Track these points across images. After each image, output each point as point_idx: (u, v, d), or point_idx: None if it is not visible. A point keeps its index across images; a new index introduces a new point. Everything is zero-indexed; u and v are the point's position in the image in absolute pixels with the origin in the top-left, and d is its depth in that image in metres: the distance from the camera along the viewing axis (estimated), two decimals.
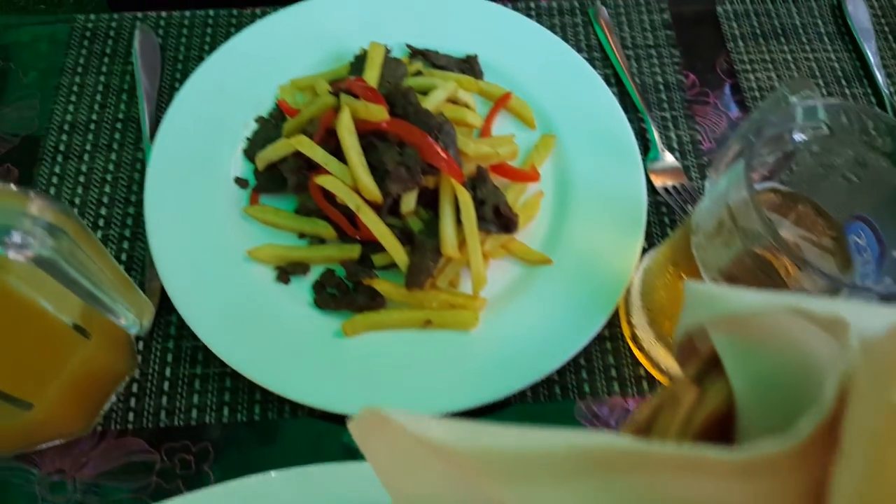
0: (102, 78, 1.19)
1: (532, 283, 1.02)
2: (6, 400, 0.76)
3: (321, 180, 0.98)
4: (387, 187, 0.97)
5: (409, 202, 1.00)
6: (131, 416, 0.95)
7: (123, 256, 1.05)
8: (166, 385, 0.97)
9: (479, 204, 0.98)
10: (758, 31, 1.30)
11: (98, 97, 1.17)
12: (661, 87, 1.24)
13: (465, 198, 0.96)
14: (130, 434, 0.94)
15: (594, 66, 1.22)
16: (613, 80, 1.24)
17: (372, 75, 1.05)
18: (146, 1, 1.31)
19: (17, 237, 0.58)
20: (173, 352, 0.99)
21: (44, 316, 0.75)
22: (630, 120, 1.14)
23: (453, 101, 1.08)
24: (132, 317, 0.88)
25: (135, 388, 0.97)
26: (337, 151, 1.00)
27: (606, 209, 1.07)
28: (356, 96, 1.01)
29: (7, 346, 0.75)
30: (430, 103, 1.03)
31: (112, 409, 0.95)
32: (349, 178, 0.98)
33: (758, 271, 0.72)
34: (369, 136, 0.99)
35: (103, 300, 0.80)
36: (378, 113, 0.96)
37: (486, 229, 0.99)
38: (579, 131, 1.14)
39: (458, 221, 0.98)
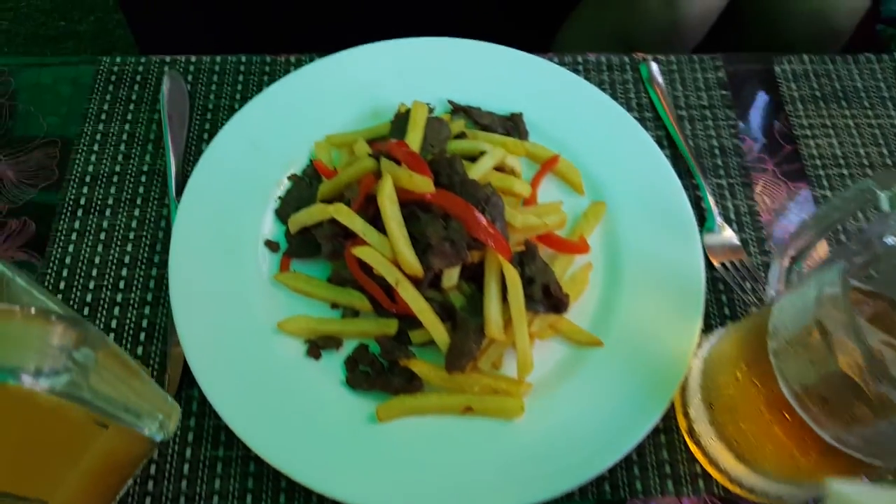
0: (127, 126, 1.14)
1: (581, 367, 0.96)
2: (19, 501, 0.70)
3: (359, 252, 0.92)
4: (429, 262, 0.91)
5: (451, 277, 0.94)
6: (148, 500, 0.89)
7: (144, 322, 1.00)
8: (186, 468, 0.91)
9: (527, 282, 0.92)
10: (818, 94, 1.24)
11: (122, 147, 1.12)
12: (717, 151, 1.18)
13: (513, 276, 0.90)
14: None
15: (645, 128, 1.16)
16: (666, 143, 1.18)
17: (415, 138, 1.00)
18: (177, 44, 1.25)
19: (27, 377, 0.53)
20: (194, 430, 0.93)
21: (59, 411, 0.69)
22: (684, 187, 1.08)
23: (499, 167, 1.03)
24: (157, 425, 0.82)
25: (153, 469, 0.91)
26: (376, 219, 0.95)
27: (661, 285, 1.01)
28: (398, 161, 0.96)
29: (19, 444, 0.69)
30: (477, 172, 0.97)
31: (128, 493, 0.89)
32: (388, 250, 0.93)
33: (849, 394, 0.66)
34: (412, 206, 0.94)
35: (125, 419, 0.74)
36: (423, 185, 0.90)
37: (534, 309, 0.93)
38: (631, 198, 1.08)
39: (504, 299, 0.92)
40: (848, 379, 0.65)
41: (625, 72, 1.25)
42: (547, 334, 0.97)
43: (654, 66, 1.24)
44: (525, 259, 0.93)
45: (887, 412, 0.64)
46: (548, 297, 0.93)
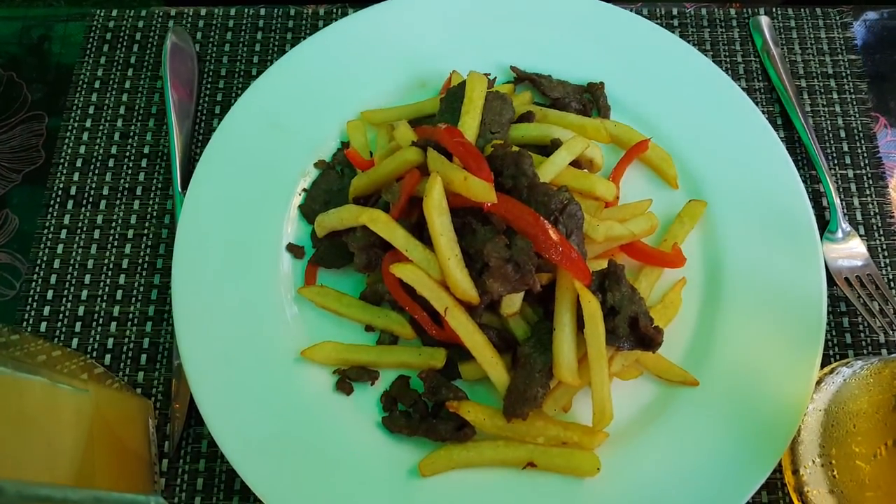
0: (125, 97, 1.00)
1: (670, 412, 0.83)
2: None
3: (398, 270, 0.78)
4: (486, 286, 0.76)
5: (513, 304, 0.80)
6: None
7: (145, 342, 0.88)
8: None
9: (609, 313, 0.77)
10: None
11: (119, 123, 0.99)
12: (843, 133, 0.99)
13: (593, 308, 0.75)
14: None
15: (755, 101, 0.98)
16: (780, 122, 1.00)
17: (471, 123, 0.84)
18: None
19: None
20: (204, 476, 0.83)
21: None
22: (801, 180, 0.90)
23: (576, 160, 0.85)
24: None
25: None
26: (421, 226, 0.80)
27: (771, 309, 0.86)
28: (449, 154, 0.80)
29: None
30: (550, 172, 0.81)
31: None
32: (436, 269, 0.78)
33: None
34: (466, 215, 0.78)
35: None
36: (483, 192, 0.75)
37: (617, 346, 0.78)
38: (736, 196, 0.92)
39: (579, 330, 0.77)
40: None
41: (730, 28, 1.05)
42: (630, 375, 0.82)
43: (766, 22, 1.04)
44: (608, 283, 0.78)
45: None
46: (635, 332, 0.77)
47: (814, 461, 0.78)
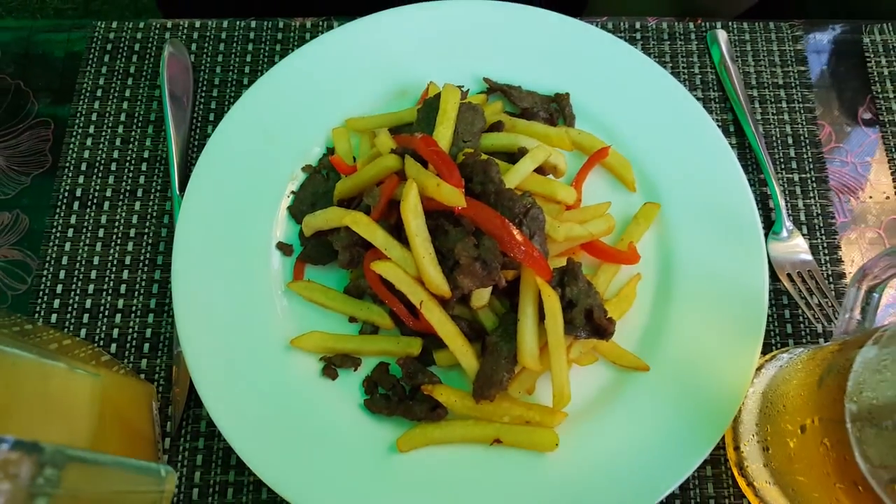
0: (125, 105, 1.09)
1: (623, 394, 0.92)
2: None
3: (379, 267, 0.88)
4: (457, 281, 0.86)
5: (481, 297, 0.89)
6: None
7: (148, 332, 0.98)
8: (195, 493, 0.91)
9: (567, 306, 0.87)
10: None
11: (120, 129, 1.08)
12: (790, 140, 1.09)
13: (552, 301, 0.85)
14: None
15: (709, 110, 1.08)
16: (732, 129, 1.09)
17: (445, 132, 0.93)
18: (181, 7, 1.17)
19: None
20: (203, 453, 0.92)
21: None
22: (749, 182, 1.00)
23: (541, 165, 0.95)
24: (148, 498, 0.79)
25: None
26: (399, 227, 0.89)
27: (718, 301, 0.96)
28: (424, 162, 0.90)
29: None
30: (515, 178, 0.90)
31: None
32: (412, 267, 0.88)
33: None
34: (440, 218, 0.88)
35: None
36: (453, 197, 0.84)
37: (575, 335, 0.88)
38: (689, 198, 1.01)
39: (541, 322, 0.88)
40: None
41: (689, 41, 1.15)
42: (587, 361, 0.93)
43: (723, 36, 1.14)
44: (566, 279, 0.88)
45: None
46: (590, 323, 0.88)
47: (751, 438, 0.88)
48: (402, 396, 0.92)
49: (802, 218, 1.05)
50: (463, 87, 1.02)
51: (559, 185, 0.94)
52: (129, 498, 0.72)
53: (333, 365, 0.93)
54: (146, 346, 0.97)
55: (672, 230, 1.00)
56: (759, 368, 0.92)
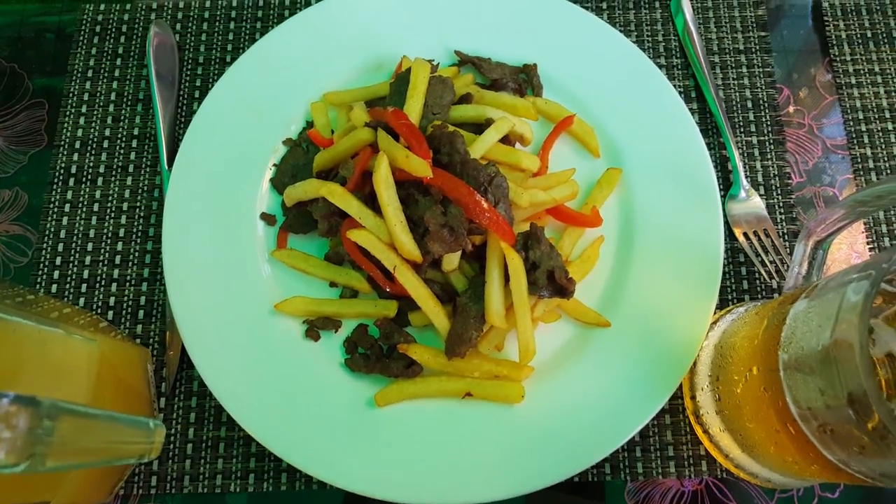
0: (115, 84, 1.09)
1: (586, 348, 0.94)
2: None
3: (354, 235, 0.89)
4: (427, 247, 0.87)
5: (451, 261, 0.90)
6: (154, 480, 0.92)
7: (142, 300, 0.99)
8: (189, 448, 0.93)
9: (530, 267, 0.88)
10: (868, 34, 1.12)
11: (111, 108, 1.08)
12: (749, 104, 1.09)
13: (516, 264, 0.86)
14: (153, 500, 0.91)
15: (672, 77, 1.07)
16: (694, 95, 1.09)
17: (414, 106, 0.93)
18: None
19: None
20: (196, 411, 0.95)
21: None
22: (709, 146, 1.00)
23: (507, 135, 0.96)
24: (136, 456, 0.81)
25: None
26: (373, 196, 0.90)
27: (676, 261, 0.96)
28: (396, 134, 0.90)
29: None
30: (480, 149, 0.91)
31: (135, 472, 0.92)
32: (385, 234, 0.89)
33: (857, 431, 0.63)
34: (410, 188, 0.89)
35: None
36: (420, 168, 0.85)
37: (538, 295, 0.89)
38: (650, 163, 1.01)
39: (507, 281, 0.89)
40: (857, 416, 0.61)
41: (653, 10, 1.14)
42: (551, 318, 0.94)
43: (687, 4, 1.13)
44: (530, 243, 0.89)
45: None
46: (552, 283, 0.89)
47: (705, 388, 0.90)
48: (379, 355, 0.93)
49: (760, 179, 1.05)
50: (433, 60, 1.01)
51: (523, 154, 0.94)
52: (121, 448, 0.74)
53: (315, 327, 0.95)
54: (141, 312, 0.99)
55: (634, 193, 1.00)
56: (714, 322, 0.94)
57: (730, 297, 1.00)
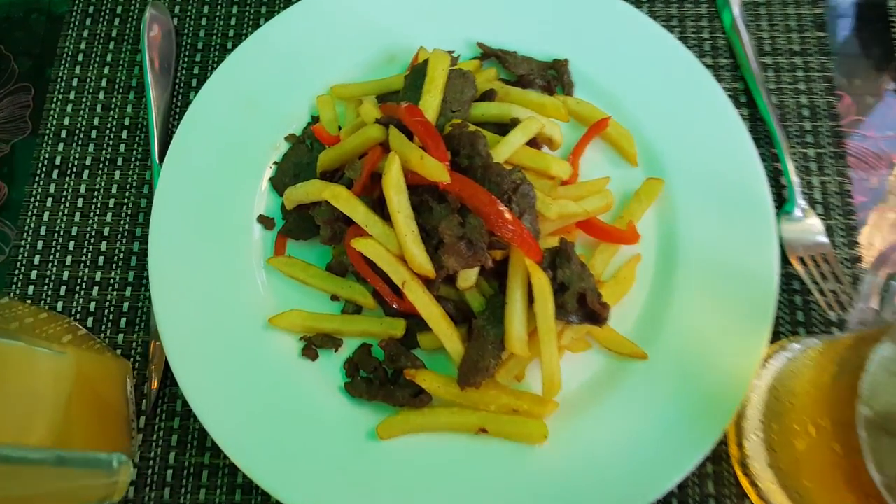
0: (107, 70, 0.99)
1: (619, 383, 0.82)
2: None
3: (359, 244, 0.78)
4: (441, 262, 0.76)
5: (468, 278, 0.79)
6: None
7: (125, 306, 0.89)
8: (169, 474, 0.83)
9: (559, 289, 0.77)
10: None
11: (101, 95, 0.98)
12: (806, 112, 0.96)
13: (542, 284, 0.74)
14: None
15: (718, 79, 0.95)
16: (744, 99, 0.97)
17: (432, 101, 0.82)
18: None
19: None
20: (178, 433, 0.84)
21: None
22: (761, 157, 0.88)
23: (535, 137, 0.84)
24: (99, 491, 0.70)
25: (133, 474, 0.83)
26: (382, 202, 0.79)
27: (724, 286, 0.84)
28: (410, 134, 0.79)
29: None
30: (505, 152, 0.79)
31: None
32: (394, 244, 0.78)
33: None
34: (424, 193, 0.78)
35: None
36: (437, 171, 0.74)
37: (566, 320, 0.78)
38: (694, 174, 0.89)
39: (530, 303, 0.77)
40: None
41: (698, 4, 1.02)
42: (580, 347, 0.82)
43: None
44: (558, 260, 0.77)
45: None
46: (583, 307, 0.77)
47: (756, 435, 0.78)
48: (383, 380, 0.82)
49: (817, 196, 0.93)
50: (454, 52, 0.90)
51: (553, 159, 0.82)
52: (75, 493, 0.63)
53: (314, 345, 0.84)
54: (123, 320, 0.89)
55: (676, 208, 0.88)
56: (766, 359, 0.81)
57: (782, 329, 0.88)
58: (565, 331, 0.80)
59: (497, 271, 0.81)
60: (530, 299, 0.77)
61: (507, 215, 0.75)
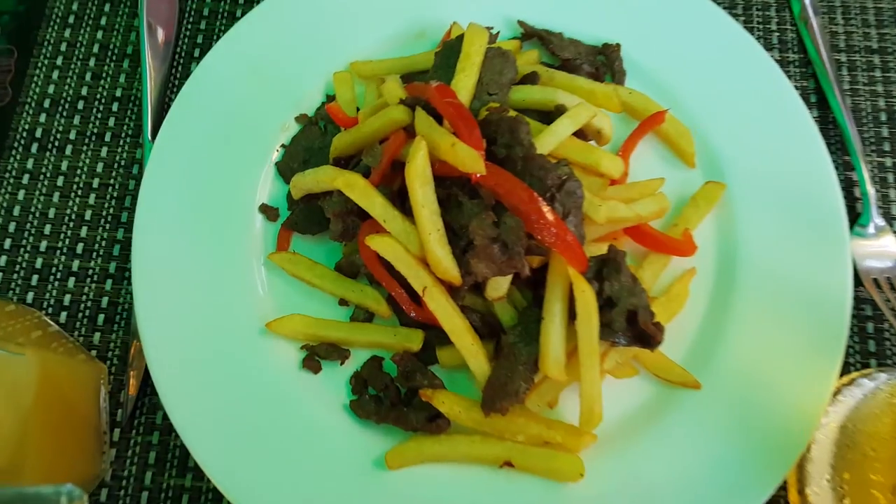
0: (100, 34, 0.89)
1: (667, 416, 0.72)
2: None
3: (375, 242, 0.67)
4: (470, 266, 0.65)
5: (499, 287, 0.68)
6: None
7: (104, 301, 0.78)
8: (145, 497, 0.72)
9: (605, 304, 0.66)
10: None
11: (91, 62, 0.88)
12: (883, 116, 0.85)
13: (587, 298, 0.63)
14: None
15: (787, 75, 0.83)
16: (814, 99, 0.86)
17: (466, 82, 0.71)
18: None
19: None
20: (157, 450, 0.74)
21: None
22: (834, 165, 0.76)
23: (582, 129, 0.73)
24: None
25: (103, 495, 0.71)
26: (404, 194, 0.69)
27: (789, 308, 0.74)
28: (439, 117, 0.67)
29: None
30: (550, 142, 0.68)
31: None
32: (415, 244, 0.66)
33: None
34: (453, 187, 0.66)
35: None
36: (470, 161, 0.63)
37: (612, 341, 0.66)
38: (759, 180, 0.79)
39: (571, 318, 0.66)
40: None
41: None
42: (625, 373, 0.71)
43: None
44: (606, 271, 0.66)
45: None
46: (633, 327, 0.66)
47: (823, 482, 0.67)
48: (395, 400, 0.71)
49: (895, 212, 0.81)
50: (492, 28, 0.79)
51: (604, 154, 0.71)
52: None
53: (317, 356, 0.74)
54: (101, 317, 0.78)
55: (737, 217, 0.78)
56: (835, 394, 0.70)
57: (851, 360, 0.77)
58: (609, 353, 0.69)
59: (532, 281, 0.70)
60: (570, 315, 0.66)
61: (550, 216, 0.63)
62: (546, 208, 0.64)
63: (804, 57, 0.88)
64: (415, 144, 0.65)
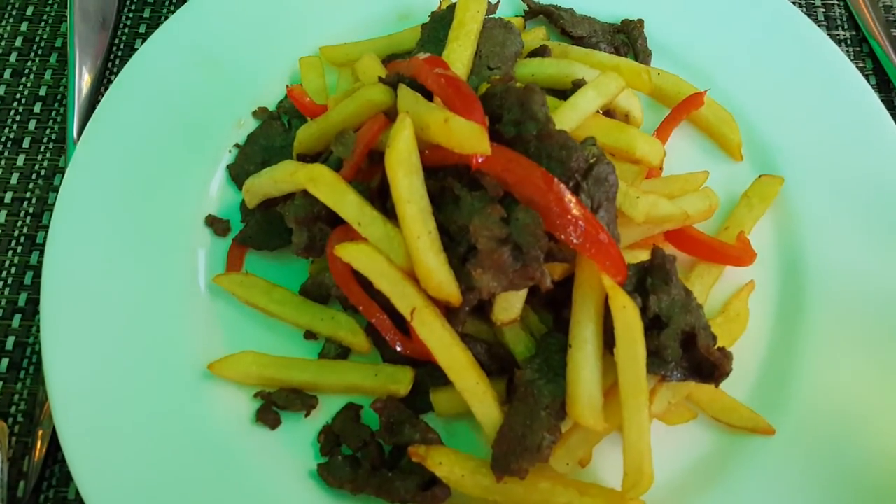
0: (24, 26, 0.77)
1: (733, 471, 0.59)
2: None
3: (348, 252, 0.51)
4: (472, 278, 0.48)
5: (510, 307, 0.51)
6: None
7: (9, 342, 0.63)
8: None
9: (652, 326, 0.49)
10: None
11: (12, 58, 0.77)
12: None
13: (629, 317, 0.49)
14: None
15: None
16: (874, 81, 0.74)
17: (460, 53, 0.58)
18: None
19: None
20: None
21: None
22: None
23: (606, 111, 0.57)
24: None
25: None
26: (384, 193, 0.53)
27: (873, 330, 0.61)
28: (429, 94, 0.51)
29: None
30: (572, 117, 0.52)
31: None
32: (400, 253, 0.50)
33: None
34: (447, 177, 0.50)
35: None
36: (471, 139, 0.47)
37: (663, 374, 0.48)
38: (824, 174, 0.67)
39: (607, 347, 0.49)
40: None
41: None
42: (680, 418, 0.54)
43: None
44: (652, 283, 0.51)
45: None
46: (690, 355, 0.49)
47: None
48: (377, 462, 0.57)
49: None
50: None
51: (639, 134, 0.58)
52: None
53: (275, 405, 0.60)
54: (4, 361, 0.62)
55: (801, 219, 0.66)
56: None
57: None
58: (659, 391, 0.52)
59: (554, 297, 0.54)
60: (606, 341, 0.49)
61: (576, 209, 0.47)
62: (571, 198, 0.47)
63: (856, 35, 0.76)
64: (397, 123, 0.50)
